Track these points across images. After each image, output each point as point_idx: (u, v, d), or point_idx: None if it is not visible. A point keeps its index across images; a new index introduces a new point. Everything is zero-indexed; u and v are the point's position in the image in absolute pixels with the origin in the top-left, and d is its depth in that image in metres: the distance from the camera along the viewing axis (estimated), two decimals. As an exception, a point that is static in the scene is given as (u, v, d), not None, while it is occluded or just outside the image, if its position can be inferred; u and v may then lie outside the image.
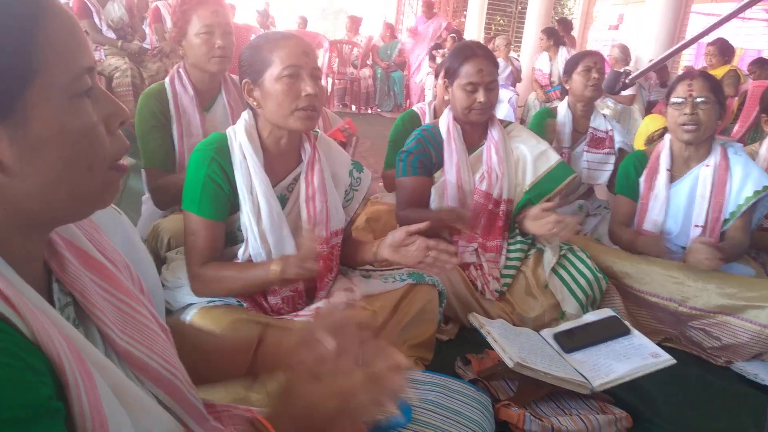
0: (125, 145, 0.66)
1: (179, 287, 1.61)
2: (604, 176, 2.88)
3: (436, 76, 2.82)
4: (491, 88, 2.05)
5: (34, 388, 0.50)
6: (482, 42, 10.44)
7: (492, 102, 2.07)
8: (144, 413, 0.65)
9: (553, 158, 2.16)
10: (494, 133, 2.15)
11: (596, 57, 2.82)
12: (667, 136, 2.31)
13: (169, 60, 4.78)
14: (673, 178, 2.28)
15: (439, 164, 2.15)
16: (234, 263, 1.54)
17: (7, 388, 0.48)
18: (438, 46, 7.64)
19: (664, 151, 2.30)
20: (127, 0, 4.93)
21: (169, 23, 4.87)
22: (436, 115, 2.77)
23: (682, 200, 2.24)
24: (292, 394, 0.74)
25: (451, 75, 2.11)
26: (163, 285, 1.61)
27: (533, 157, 2.16)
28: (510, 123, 2.28)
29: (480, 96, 2.03)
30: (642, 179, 2.33)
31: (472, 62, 2.03)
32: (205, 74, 2.09)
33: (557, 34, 6.79)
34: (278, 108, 1.46)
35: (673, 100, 2.19)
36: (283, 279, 1.42)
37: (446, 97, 2.17)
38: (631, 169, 2.38)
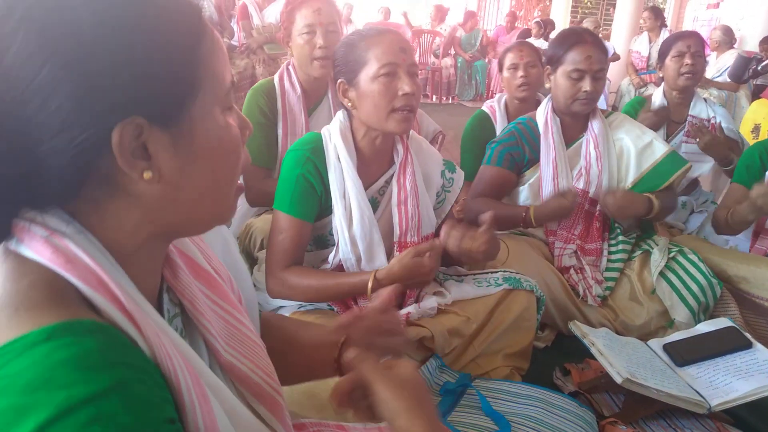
0: (248, 158, 0.66)
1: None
2: (706, 167, 2.63)
3: (501, 69, 2.64)
4: (599, 77, 1.92)
5: (161, 408, 0.49)
6: (568, 25, 10.08)
7: (598, 92, 1.93)
8: None
9: (659, 150, 1.98)
10: (594, 126, 2.01)
11: (691, 40, 2.53)
12: None
13: (256, 56, 4.86)
14: None
15: (533, 161, 2.04)
16: (317, 273, 1.50)
17: (141, 406, 0.47)
18: (526, 34, 7.41)
19: None
20: (216, -2, 5.05)
21: (256, 20, 4.94)
22: (508, 111, 2.59)
23: None
24: None
25: (555, 61, 1.97)
26: (255, 286, 1.60)
27: (637, 150, 1.99)
28: (612, 113, 2.12)
29: (586, 84, 1.90)
30: None
31: (581, 48, 1.90)
32: (311, 76, 2.04)
33: (662, 14, 6.35)
34: (374, 109, 1.41)
35: None
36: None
37: (547, 86, 2.05)
38: (756, 159, 2.13)
